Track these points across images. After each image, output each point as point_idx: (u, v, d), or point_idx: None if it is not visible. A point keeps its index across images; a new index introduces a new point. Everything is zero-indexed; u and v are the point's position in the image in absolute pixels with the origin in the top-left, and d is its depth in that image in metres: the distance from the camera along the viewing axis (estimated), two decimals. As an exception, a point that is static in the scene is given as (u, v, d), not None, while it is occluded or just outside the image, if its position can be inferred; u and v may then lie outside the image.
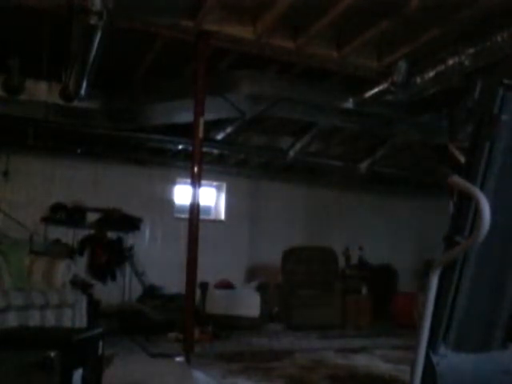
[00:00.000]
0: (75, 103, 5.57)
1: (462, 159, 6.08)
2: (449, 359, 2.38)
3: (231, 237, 8.53)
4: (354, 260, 8.62)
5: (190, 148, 5.04)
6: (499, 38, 4.08)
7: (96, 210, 7.55)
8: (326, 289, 7.39)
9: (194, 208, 4.51)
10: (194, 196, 4.51)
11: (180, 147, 7.37)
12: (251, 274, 8.46)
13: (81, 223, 7.44)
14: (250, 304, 6.74)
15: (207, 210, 8.75)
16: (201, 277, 4.82)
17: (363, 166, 7.91)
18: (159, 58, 5.29)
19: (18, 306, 3.81)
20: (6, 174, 7.20)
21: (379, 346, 5.43)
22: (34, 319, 3.92)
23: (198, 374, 3.84)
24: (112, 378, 3.33)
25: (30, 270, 4.52)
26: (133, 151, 7.68)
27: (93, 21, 3.82)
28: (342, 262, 8.13)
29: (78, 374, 2.51)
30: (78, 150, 7.31)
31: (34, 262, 4.61)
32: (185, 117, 5.58)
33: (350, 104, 5.67)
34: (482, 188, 2.30)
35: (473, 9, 4.08)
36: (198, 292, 6.07)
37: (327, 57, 4.99)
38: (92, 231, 7.53)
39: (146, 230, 8.06)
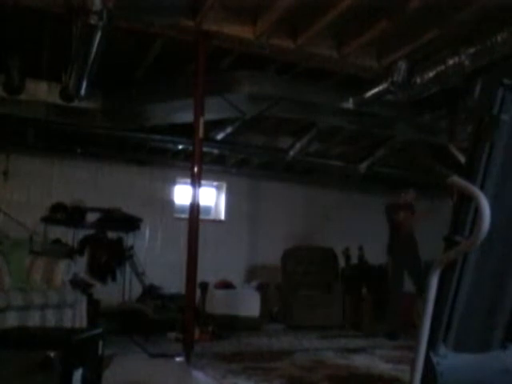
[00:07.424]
0: (75, 103, 5.57)
1: (462, 159, 6.09)
2: (449, 359, 2.38)
3: (231, 237, 8.53)
4: (354, 260, 8.60)
5: (190, 148, 5.04)
6: (499, 38, 4.08)
7: (96, 209, 7.54)
8: (326, 289, 7.40)
9: (194, 208, 4.51)
10: (194, 196, 4.51)
11: (180, 147, 7.37)
12: (251, 273, 8.46)
13: (81, 223, 7.43)
14: (250, 304, 6.73)
15: (207, 210, 8.75)
16: (201, 277, 4.82)
17: (363, 166, 7.91)
18: (159, 57, 5.29)
19: (17, 306, 3.80)
20: (5, 174, 7.20)
21: (379, 346, 5.42)
22: (34, 319, 3.91)
23: (198, 374, 3.84)
24: (112, 378, 3.33)
25: (29, 269, 4.51)
26: (133, 151, 7.70)
27: (93, 21, 3.83)
28: (341, 261, 8.12)
29: (77, 374, 2.51)
30: (78, 150, 7.31)
31: (34, 261, 4.60)
32: (185, 117, 5.58)
33: (349, 104, 5.67)
34: (482, 188, 2.30)
35: (473, 9, 4.08)
36: (198, 292, 6.07)
37: (327, 57, 4.99)
38: (92, 231, 7.52)
39: (146, 230, 8.06)
